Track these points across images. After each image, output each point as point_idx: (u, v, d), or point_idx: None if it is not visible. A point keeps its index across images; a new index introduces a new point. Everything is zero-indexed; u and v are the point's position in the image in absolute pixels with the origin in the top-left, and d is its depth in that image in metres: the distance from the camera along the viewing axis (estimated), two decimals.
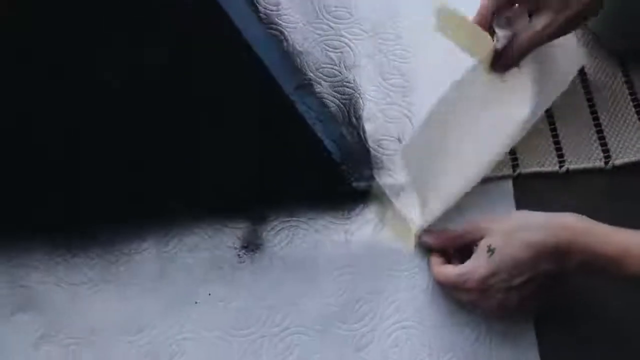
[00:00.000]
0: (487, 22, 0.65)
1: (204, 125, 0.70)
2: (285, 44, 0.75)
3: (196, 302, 0.66)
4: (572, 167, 0.70)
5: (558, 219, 0.60)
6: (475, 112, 0.68)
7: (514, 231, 0.60)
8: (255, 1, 0.76)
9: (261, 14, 0.76)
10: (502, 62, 0.66)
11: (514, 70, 0.67)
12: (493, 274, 0.60)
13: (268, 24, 0.75)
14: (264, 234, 0.68)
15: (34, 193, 0.68)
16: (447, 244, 0.66)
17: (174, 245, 0.67)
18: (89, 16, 0.70)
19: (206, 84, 0.71)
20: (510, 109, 0.68)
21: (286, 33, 0.75)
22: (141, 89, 0.71)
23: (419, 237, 0.67)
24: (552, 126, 0.72)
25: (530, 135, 0.71)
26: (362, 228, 0.68)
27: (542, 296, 0.61)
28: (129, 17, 0.71)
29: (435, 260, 0.66)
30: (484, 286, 0.60)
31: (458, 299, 0.64)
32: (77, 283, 0.66)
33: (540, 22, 0.63)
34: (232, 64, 0.72)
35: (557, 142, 0.72)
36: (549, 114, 0.72)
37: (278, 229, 0.68)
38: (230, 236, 0.68)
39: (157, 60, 0.71)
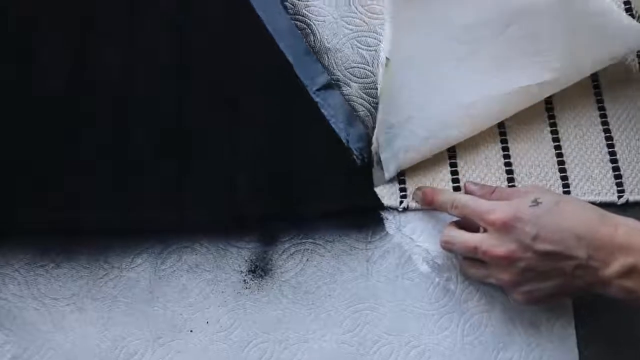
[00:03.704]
0: None
1: (212, 126, 0.58)
2: (312, 38, 0.62)
3: (191, 330, 0.53)
4: (632, 198, 0.57)
5: None
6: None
7: (572, 198, 0.52)
8: None
9: (287, 4, 0.63)
10: None
11: None
12: (525, 222, 0.48)
13: (294, 14, 0.63)
14: (275, 257, 0.55)
15: (19, 192, 0.55)
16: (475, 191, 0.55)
17: (171, 264, 0.55)
18: None
19: (219, 79, 0.59)
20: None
21: (314, 26, 0.62)
22: (148, 83, 0.59)
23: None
24: (611, 150, 0.58)
25: (585, 161, 0.58)
26: (386, 256, 0.55)
27: (563, 291, 0.49)
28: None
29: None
30: (509, 229, 0.48)
31: (466, 250, 0.51)
32: (58, 298, 0.54)
33: None
34: (251, 57, 0.60)
35: (616, 169, 0.58)
36: (608, 137, 0.59)
37: (291, 252, 0.55)
38: (236, 257, 0.55)
39: (168, 53, 0.60)
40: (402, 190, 0.57)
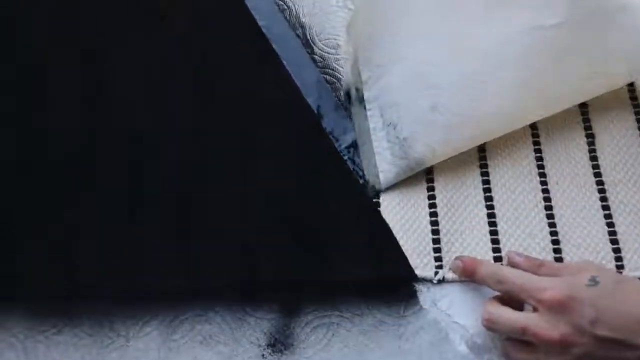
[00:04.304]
0: None
1: (229, 181, 0.54)
2: (341, 93, 0.58)
3: None
4: None
5: None
6: None
7: (632, 279, 0.47)
8: (311, 41, 0.60)
9: (316, 57, 0.59)
10: None
11: None
12: (582, 303, 0.42)
13: (323, 68, 0.60)
14: (297, 330, 0.50)
15: (18, 252, 0.51)
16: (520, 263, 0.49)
17: (183, 334, 0.50)
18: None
19: (241, 130, 0.56)
20: None
21: (343, 80, 0.59)
22: (166, 139, 0.55)
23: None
24: None
25: (576, 233, 0.53)
26: (420, 334, 0.50)
27: None
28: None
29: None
30: (564, 309, 0.43)
31: (512, 331, 0.45)
32: None
33: None
34: (277, 110, 0.57)
35: None
36: None
37: (314, 325, 0.50)
38: (254, 329, 0.50)
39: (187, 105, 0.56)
40: (438, 259, 0.52)
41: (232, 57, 0.59)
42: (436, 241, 0.52)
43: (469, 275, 0.49)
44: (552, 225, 0.53)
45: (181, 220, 0.52)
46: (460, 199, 0.54)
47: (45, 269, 0.50)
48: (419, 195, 0.54)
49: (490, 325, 0.47)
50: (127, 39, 0.60)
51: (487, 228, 0.53)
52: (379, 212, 0.53)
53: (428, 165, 0.54)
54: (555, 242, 0.52)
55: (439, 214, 0.53)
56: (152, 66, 0.58)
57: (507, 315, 0.46)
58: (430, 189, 0.54)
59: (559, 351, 0.43)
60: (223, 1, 0.62)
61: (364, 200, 0.54)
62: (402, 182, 0.54)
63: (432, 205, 0.53)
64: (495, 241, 0.52)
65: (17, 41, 0.60)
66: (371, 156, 0.55)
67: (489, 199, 0.54)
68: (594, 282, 0.44)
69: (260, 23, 0.61)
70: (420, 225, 0.53)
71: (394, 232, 0.52)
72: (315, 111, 0.58)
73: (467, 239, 0.53)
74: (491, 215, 0.53)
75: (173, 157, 0.54)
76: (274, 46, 0.60)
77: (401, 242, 0.52)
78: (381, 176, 0.55)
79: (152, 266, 0.50)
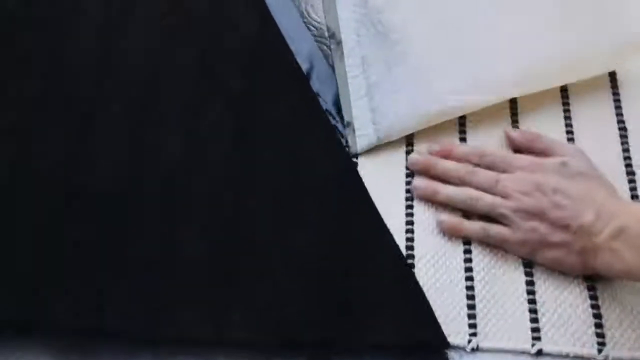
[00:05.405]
0: None
1: (261, 235, 0.52)
2: None
3: None
4: None
5: None
6: None
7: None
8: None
9: None
10: None
11: None
12: (549, 173, 0.51)
13: None
14: None
15: (44, 285, 0.50)
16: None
17: None
18: None
19: (279, 181, 0.55)
20: None
21: None
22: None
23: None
24: None
25: (619, 306, 0.51)
26: None
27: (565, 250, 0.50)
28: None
29: None
30: (535, 168, 0.52)
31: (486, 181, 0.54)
32: None
33: None
34: (312, 160, 0.56)
35: None
36: None
37: None
38: None
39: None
40: (472, 326, 0.49)
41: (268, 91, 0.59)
42: (471, 307, 0.50)
43: (445, 155, 0.55)
44: (593, 297, 0.51)
45: (212, 271, 0.51)
46: (499, 263, 0.52)
47: (70, 304, 0.49)
48: (455, 257, 0.52)
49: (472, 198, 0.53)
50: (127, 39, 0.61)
51: (525, 296, 0.51)
52: (413, 274, 0.51)
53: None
54: (597, 316, 0.50)
55: (474, 278, 0.51)
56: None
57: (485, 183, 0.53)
58: (467, 251, 0.52)
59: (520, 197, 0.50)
60: (257, 23, 0.62)
61: (398, 261, 0.52)
62: (438, 244, 0.53)
63: (469, 269, 0.52)
64: (533, 310, 0.50)
65: (16, 41, 0.61)
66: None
67: (527, 265, 0.52)
68: (563, 165, 0.51)
69: (292, 48, 0.61)
70: (455, 289, 0.51)
71: (428, 295, 0.50)
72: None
73: (505, 306, 0.50)
74: (530, 283, 0.51)
75: (205, 195, 0.54)
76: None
77: (434, 307, 0.50)
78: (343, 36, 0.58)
79: (178, 313, 0.49)
